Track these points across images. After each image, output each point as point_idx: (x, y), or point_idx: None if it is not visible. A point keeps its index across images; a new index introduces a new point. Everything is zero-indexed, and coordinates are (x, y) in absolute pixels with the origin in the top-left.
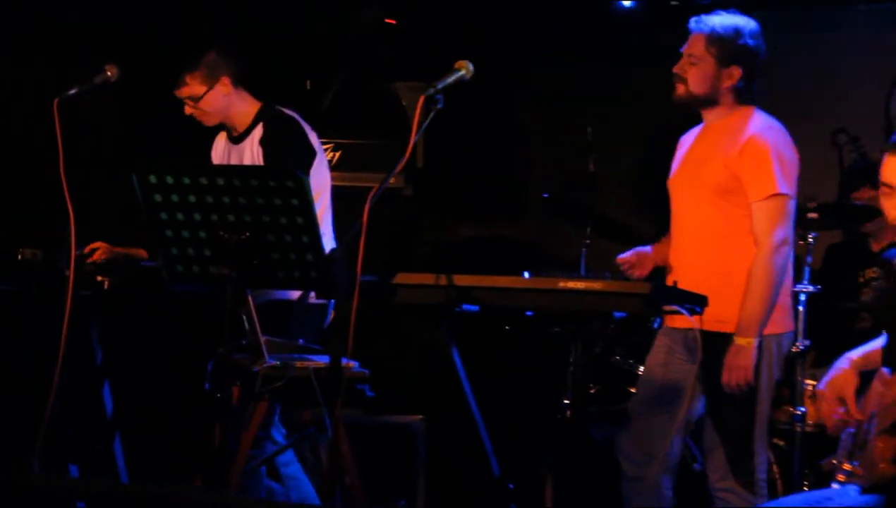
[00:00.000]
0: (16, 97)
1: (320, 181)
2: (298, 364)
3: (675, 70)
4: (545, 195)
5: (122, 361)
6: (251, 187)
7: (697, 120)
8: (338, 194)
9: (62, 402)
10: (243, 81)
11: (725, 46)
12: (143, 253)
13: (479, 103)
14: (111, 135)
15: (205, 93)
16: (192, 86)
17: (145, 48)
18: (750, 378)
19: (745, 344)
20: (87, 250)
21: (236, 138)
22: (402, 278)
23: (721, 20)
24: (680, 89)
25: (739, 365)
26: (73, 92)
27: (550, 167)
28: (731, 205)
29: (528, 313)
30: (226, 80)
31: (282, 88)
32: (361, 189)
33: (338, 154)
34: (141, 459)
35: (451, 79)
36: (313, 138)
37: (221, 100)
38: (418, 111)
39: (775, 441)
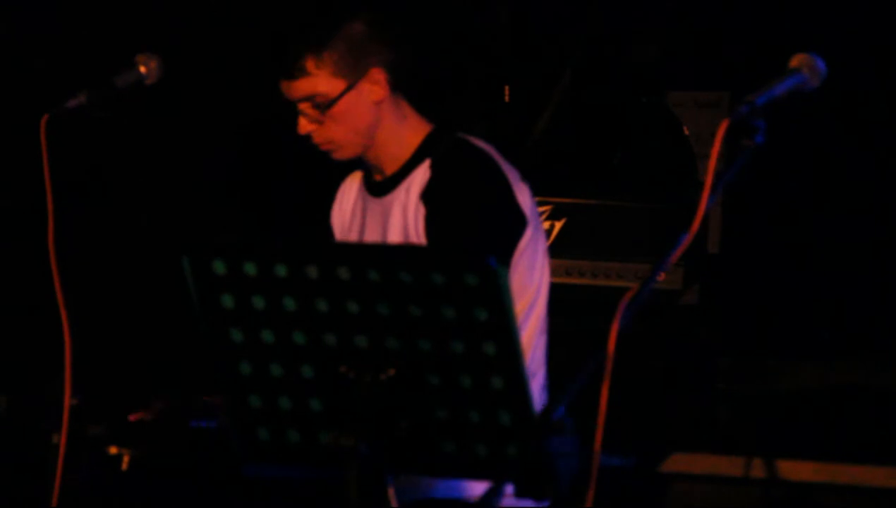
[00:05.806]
0: None
1: (532, 273)
2: None
3: None
4: None
5: None
6: (400, 286)
7: None
8: (557, 297)
9: None
10: (409, 86)
11: None
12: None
13: (824, 137)
14: (147, 183)
15: (342, 94)
16: (318, 79)
17: (216, 21)
18: None
19: None
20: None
21: (380, 186)
22: (679, 462)
23: None
24: None
25: None
26: (75, 103)
27: None
28: None
29: None
30: (379, 75)
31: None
32: (604, 290)
33: (559, 224)
34: None
35: (781, 88)
36: (522, 194)
37: (369, 110)
38: (717, 146)
39: None
